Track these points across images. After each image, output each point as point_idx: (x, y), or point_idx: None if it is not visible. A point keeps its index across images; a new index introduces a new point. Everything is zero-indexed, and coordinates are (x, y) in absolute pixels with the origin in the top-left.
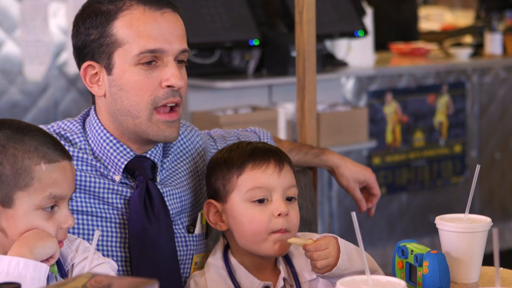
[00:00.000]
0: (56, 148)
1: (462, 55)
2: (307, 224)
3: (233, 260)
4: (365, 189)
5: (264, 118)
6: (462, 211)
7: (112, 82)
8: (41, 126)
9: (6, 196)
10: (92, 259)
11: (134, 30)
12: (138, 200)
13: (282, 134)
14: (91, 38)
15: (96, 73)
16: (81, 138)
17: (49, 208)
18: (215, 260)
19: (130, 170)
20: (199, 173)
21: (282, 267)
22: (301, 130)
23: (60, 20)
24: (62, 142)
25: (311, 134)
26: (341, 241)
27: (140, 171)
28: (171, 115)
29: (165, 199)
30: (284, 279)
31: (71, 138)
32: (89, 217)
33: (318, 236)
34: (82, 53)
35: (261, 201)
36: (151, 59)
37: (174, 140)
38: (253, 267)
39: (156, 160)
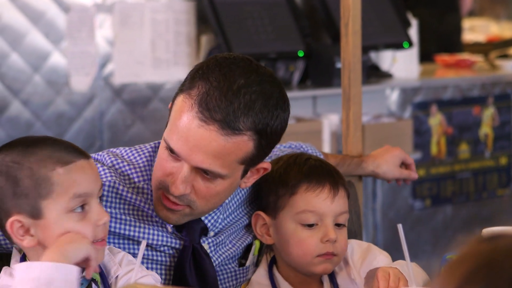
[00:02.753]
0: (69, 151)
1: (508, 66)
2: (352, 236)
3: (278, 276)
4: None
5: (309, 129)
6: (508, 223)
7: None
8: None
9: (33, 208)
10: (137, 270)
11: None
12: (183, 264)
13: (326, 146)
14: None
15: None
16: (145, 177)
17: (79, 208)
18: (259, 277)
19: (178, 228)
20: (250, 206)
21: (326, 284)
22: (346, 142)
23: (106, 32)
24: (118, 181)
25: (356, 146)
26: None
27: (187, 232)
28: (170, 204)
29: (219, 247)
30: None
31: (131, 176)
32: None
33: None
34: None
35: (310, 225)
36: None
37: (174, 224)
38: (298, 283)
39: (210, 224)
